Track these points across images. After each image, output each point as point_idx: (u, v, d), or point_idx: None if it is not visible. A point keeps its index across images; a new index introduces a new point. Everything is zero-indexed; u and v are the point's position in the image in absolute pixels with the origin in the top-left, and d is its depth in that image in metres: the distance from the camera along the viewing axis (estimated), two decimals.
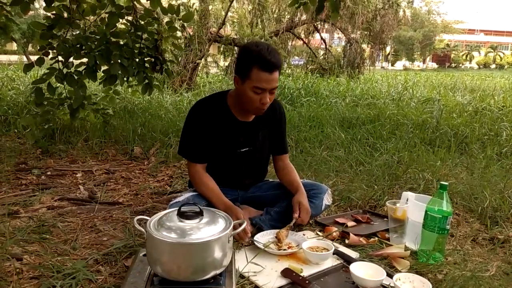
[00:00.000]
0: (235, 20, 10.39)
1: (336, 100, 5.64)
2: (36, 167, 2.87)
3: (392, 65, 42.08)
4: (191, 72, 7.60)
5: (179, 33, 6.44)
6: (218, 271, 1.33)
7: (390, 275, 1.46)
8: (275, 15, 10.23)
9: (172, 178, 2.79)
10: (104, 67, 3.33)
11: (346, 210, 2.28)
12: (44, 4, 3.19)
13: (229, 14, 9.17)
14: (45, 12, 3.30)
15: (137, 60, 3.44)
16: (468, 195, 2.36)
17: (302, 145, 3.53)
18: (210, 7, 8.69)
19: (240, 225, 1.45)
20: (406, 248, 1.74)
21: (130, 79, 3.58)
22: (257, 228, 1.79)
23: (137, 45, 3.43)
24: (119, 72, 3.25)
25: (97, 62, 3.18)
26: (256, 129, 1.88)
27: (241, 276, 1.46)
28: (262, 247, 1.63)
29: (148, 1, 3.36)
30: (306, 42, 10.85)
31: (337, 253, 1.64)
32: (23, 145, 3.44)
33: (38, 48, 3.15)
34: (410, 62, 44.08)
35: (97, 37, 3.30)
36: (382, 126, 4.02)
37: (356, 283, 1.44)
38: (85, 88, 3.39)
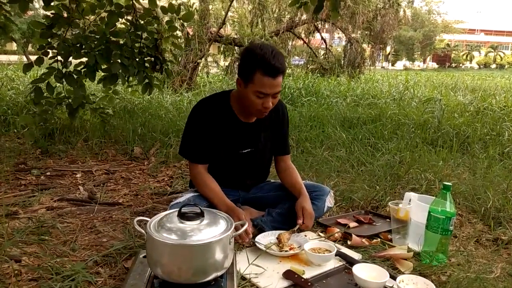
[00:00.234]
0: (235, 20, 10.36)
1: (337, 100, 5.63)
2: (36, 167, 2.85)
3: (393, 65, 42.06)
4: (191, 72, 7.59)
5: (179, 33, 6.43)
6: (219, 273, 1.32)
7: (393, 277, 1.44)
8: (275, 15, 10.20)
9: (172, 179, 2.78)
10: (104, 67, 3.31)
11: (348, 210, 2.26)
12: (43, 4, 3.17)
13: (229, 13, 9.15)
14: (44, 12, 3.28)
15: (137, 59, 3.42)
16: (471, 195, 2.34)
17: (303, 145, 3.51)
18: (210, 6, 8.67)
19: (242, 226, 1.43)
20: (409, 249, 1.72)
21: (131, 78, 3.56)
22: (259, 229, 1.77)
23: (137, 45, 3.41)
24: (120, 71, 3.23)
25: (97, 61, 3.16)
26: (258, 130, 1.86)
27: (243, 278, 1.44)
28: (264, 249, 1.61)
29: (147, 1, 3.35)
30: (307, 42, 10.83)
31: (339, 254, 1.63)
32: (22, 145, 3.42)
33: (38, 47, 3.13)
34: (411, 62, 44.05)
35: (97, 36, 3.29)
36: (383, 126, 4.00)
37: (359, 285, 1.42)
38: (84, 88, 3.37)
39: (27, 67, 3.17)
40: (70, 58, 3.18)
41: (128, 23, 3.41)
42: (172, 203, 1.80)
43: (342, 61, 10.87)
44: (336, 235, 1.84)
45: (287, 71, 9.63)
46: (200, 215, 1.33)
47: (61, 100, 3.38)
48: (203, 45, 7.79)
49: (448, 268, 1.57)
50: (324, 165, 2.96)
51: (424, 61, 48.66)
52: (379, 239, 1.84)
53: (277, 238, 1.67)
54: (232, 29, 10.37)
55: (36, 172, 2.76)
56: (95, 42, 3.25)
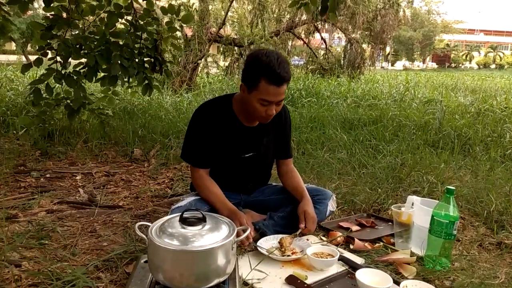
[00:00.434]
0: (235, 20, 10.34)
1: (337, 101, 5.61)
2: (35, 169, 2.84)
3: (392, 65, 42.07)
4: (191, 72, 7.57)
5: (178, 33, 6.40)
6: (221, 279, 1.30)
7: (397, 282, 1.43)
8: (275, 15, 10.19)
9: (172, 181, 2.76)
10: (104, 67, 3.30)
11: (350, 213, 2.25)
12: (43, 4, 3.15)
13: (229, 14, 9.13)
14: (44, 12, 3.27)
15: (136, 60, 3.40)
16: (473, 198, 2.33)
17: (303, 147, 3.50)
18: (210, 7, 8.65)
19: (244, 231, 1.42)
20: (412, 254, 1.71)
21: (130, 79, 3.54)
22: (260, 233, 1.75)
23: (137, 45, 3.39)
24: (120, 72, 3.21)
25: (97, 62, 3.14)
26: (261, 135, 1.84)
27: (245, 283, 1.43)
28: (266, 253, 1.60)
29: (145, 1, 3.33)
30: (306, 42, 10.81)
31: (342, 259, 1.61)
32: (22, 147, 3.40)
33: (37, 48, 3.11)
34: (410, 62, 44.08)
35: (97, 37, 3.27)
36: (384, 128, 3.98)
37: None
38: (84, 89, 3.36)
39: (26, 67, 3.15)
40: (70, 59, 3.17)
41: (128, 24, 3.39)
42: (173, 207, 1.78)
43: (342, 62, 10.86)
44: (339, 239, 1.83)
45: None
46: (202, 220, 1.32)
47: (60, 101, 3.37)
48: (203, 45, 7.77)
49: (451, 273, 1.56)
50: (325, 167, 2.94)
51: (424, 61, 48.68)
52: (381, 243, 1.83)
53: (279, 242, 1.66)
54: (232, 29, 10.36)
55: (36, 174, 2.74)
56: (95, 43, 3.23)
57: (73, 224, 1.96)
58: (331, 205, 1.94)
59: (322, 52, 11.29)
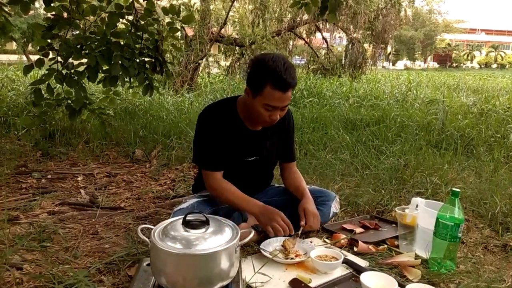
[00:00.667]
0: (236, 20, 10.33)
1: (339, 101, 5.59)
2: (36, 170, 2.83)
3: (393, 64, 42.03)
4: (192, 72, 7.55)
5: (179, 34, 6.39)
6: (225, 283, 1.29)
7: (401, 285, 1.41)
8: (276, 15, 10.17)
9: (174, 182, 2.75)
10: (105, 68, 3.29)
11: (353, 215, 2.23)
12: (44, 4, 3.14)
13: (230, 13, 9.12)
14: (45, 12, 3.25)
15: (137, 60, 3.39)
16: (477, 200, 2.31)
17: (306, 148, 3.48)
18: (211, 6, 8.63)
19: (250, 233, 1.40)
20: (417, 256, 1.69)
21: (131, 80, 3.53)
22: (263, 235, 1.74)
23: (138, 46, 3.38)
24: (120, 73, 3.20)
25: (98, 62, 3.13)
26: (264, 138, 1.83)
27: (248, 286, 1.42)
28: (269, 256, 1.58)
29: (146, 1, 3.32)
30: (308, 41, 10.79)
31: (346, 262, 1.60)
32: (23, 147, 3.40)
33: (38, 48, 3.10)
34: (411, 62, 44.02)
35: (97, 37, 3.26)
36: (387, 128, 3.96)
37: None
38: (85, 89, 3.35)
39: (28, 69, 3.14)
40: (70, 59, 3.15)
41: (129, 24, 3.38)
42: (175, 209, 1.77)
43: (343, 61, 10.84)
44: (342, 241, 1.81)
45: None
46: (205, 223, 1.30)
47: (61, 102, 3.36)
48: (204, 45, 7.76)
49: (457, 276, 1.54)
50: (328, 168, 2.93)
51: (425, 61, 48.60)
52: (385, 246, 1.81)
53: (282, 245, 1.64)
54: (233, 29, 10.34)
55: (37, 175, 2.73)
56: (96, 43, 3.22)
57: (75, 226, 1.95)
58: (335, 207, 1.92)
59: (323, 51, 11.27)
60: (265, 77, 1.55)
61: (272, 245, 1.69)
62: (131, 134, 3.63)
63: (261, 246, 1.65)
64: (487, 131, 3.87)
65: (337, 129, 3.98)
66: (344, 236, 1.85)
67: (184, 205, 1.76)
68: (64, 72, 3.13)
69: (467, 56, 48.90)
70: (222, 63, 10.20)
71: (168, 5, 3.35)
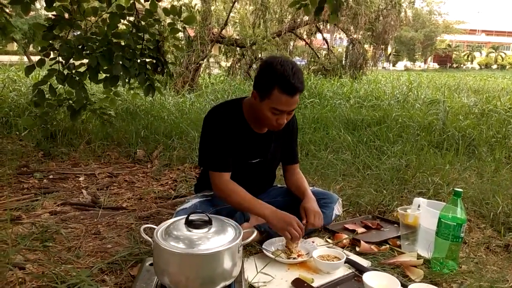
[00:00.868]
0: (237, 21, 10.34)
1: (340, 102, 5.59)
2: (38, 170, 2.83)
3: (394, 65, 42.03)
4: (193, 73, 7.55)
5: (180, 34, 6.39)
6: (227, 282, 1.29)
7: (404, 285, 1.41)
8: (277, 16, 10.17)
9: (176, 182, 2.75)
10: (106, 68, 3.29)
11: (355, 215, 2.23)
12: (45, 4, 3.14)
13: (231, 14, 9.12)
14: (46, 13, 3.26)
15: (138, 61, 3.39)
16: (479, 200, 2.31)
17: (307, 148, 3.48)
18: (212, 7, 8.64)
19: (252, 233, 1.39)
20: (419, 256, 1.69)
21: (132, 80, 3.53)
22: (266, 235, 1.74)
23: (139, 46, 3.38)
24: (121, 73, 3.20)
25: (99, 63, 3.13)
26: (269, 141, 1.83)
27: (251, 286, 1.42)
28: (272, 256, 1.58)
29: (148, 2, 3.32)
30: (308, 42, 10.80)
31: (348, 261, 1.60)
32: (24, 148, 3.40)
33: (39, 49, 3.11)
34: (412, 63, 44.02)
35: (98, 38, 3.26)
36: (388, 128, 3.96)
37: None
38: (86, 89, 3.35)
39: (29, 69, 3.14)
40: (71, 60, 3.16)
41: (130, 25, 3.38)
42: (178, 209, 1.77)
43: (344, 62, 10.84)
44: (344, 241, 1.81)
45: None
46: (208, 223, 1.31)
47: (62, 102, 3.36)
48: (205, 46, 7.76)
49: (459, 276, 1.55)
50: (329, 168, 2.93)
51: (425, 62, 48.61)
52: (388, 246, 1.82)
53: (286, 246, 1.64)
54: (234, 30, 10.35)
55: (39, 176, 2.73)
56: (97, 44, 3.23)
57: (77, 226, 1.95)
58: (337, 209, 1.93)
59: (324, 52, 11.27)
60: (273, 81, 1.54)
61: (274, 245, 1.69)
62: (133, 135, 3.63)
63: (263, 246, 1.66)
64: (488, 131, 3.87)
65: (338, 129, 3.98)
66: (346, 236, 1.85)
67: (186, 205, 1.76)
68: (65, 72, 3.13)
69: (467, 57, 48.91)
70: (223, 63, 10.20)
71: (169, 6, 3.34)
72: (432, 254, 1.64)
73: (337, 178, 2.73)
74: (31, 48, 20.09)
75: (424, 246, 1.71)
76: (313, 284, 1.44)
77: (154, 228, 1.34)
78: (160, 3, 3.47)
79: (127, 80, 3.39)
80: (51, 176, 2.76)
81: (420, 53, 42.78)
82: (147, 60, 3.48)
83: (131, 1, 3.31)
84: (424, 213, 1.77)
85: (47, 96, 3.27)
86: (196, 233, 1.27)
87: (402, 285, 1.40)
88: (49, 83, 3.13)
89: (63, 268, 1.49)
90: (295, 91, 1.55)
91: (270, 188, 2.02)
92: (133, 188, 2.63)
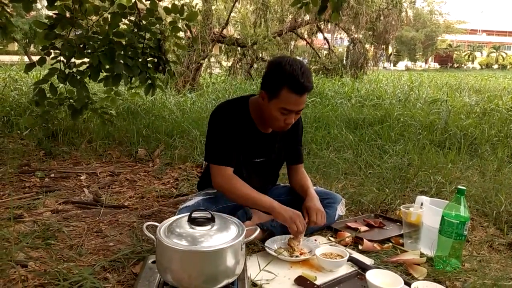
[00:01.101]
0: (238, 20, 10.33)
1: (341, 101, 5.59)
2: (40, 169, 2.83)
3: (394, 65, 42.01)
4: (194, 72, 7.56)
5: (182, 33, 6.38)
6: (230, 280, 1.29)
7: (407, 283, 1.41)
8: (278, 15, 10.17)
9: (177, 181, 2.75)
10: (107, 67, 3.28)
11: (357, 214, 2.22)
12: (46, 4, 3.14)
13: (232, 14, 9.12)
14: (47, 12, 3.26)
15: (140, 60, 3.39)
16: (482, 198, 2.31)
17: (309, 147, 3.48)
18: (213, 7, 8.64)
19: (255, 230, 1.39)
20: (422, 254, 1.69)
21: (133, 79, 3.53)
22: (268, 233, 1.74)
23: (140, 45, 3.38)
24: (123, 71, 3.20)
25: (101, 62, 3.13)
26: (274, 141, 1.83)
27: (254, 284, 1.42)
28: (274, 254, 1.58)
29: (148, 1, 3.32)
30: (309, 42, 10.79)
31: (351, 260, 1.59)
32: (26, 147, 3.40)
33: (40, 48, 3.10)
34: (412, 63, 44.00)
35: (100, 37, 3.26)
36: (389, 128, 3.96)
37: None
38: (87, 88, 3.35)
39: (29, 67, 3.14)
40: (73, 59, 3.15)
41: (131, 24, 3.38)
42: (181, 206, 1.76)
43: (345, 62, 10.84)
44: (347, 239, 1.81)
45: None
46: (210, 220, 1.30)
47: (63, 101, 3.36)
48: (206, 45, 7.76)
49: (462, 274, 1.54)
50: (331, 167, 2.92)
51: (426, 62, 48.57)
52: (390, 244, 1.81)
53: (288, 244, 1.64)
54: (234, 29, 10.35)
55: (40, 174, 2.73)
56: (98, 43, 3.22)
57: (79, 224, 1.95)
58: (340, 209, 1.92)
59: (325, 52, 11.27)
60: (282, 80, 1.54)
61: (276, 243, 1.69)
62: (134, 134, 3.63)
63: (266, 244, 1.65)
64: (490, 130, 3.87)
65: (340, 128, 3.97)
66: (348, 234, 1.84)
67: (189, 203, 1.76)
68: (66, 71, 3.13)
69: (468, 56, 48.86)
70: (224, 63, 10.20)
71: (171, 5, 3.34)
72: (435, 252, 1.64)
73: (339, 177, 2.72)
74: (32, 48, 20.11)
75: (427, 244, 1.71)
76: (316, 282, 1.43)
77: (157, 226, 1.33)
78: (160, 3, 3.47)
79: (128, 79, 3.39)
80: (52, 175, 2.75)
81: (421, 53, 42.73)
82: (148, 59, 3.48)
83: (133, 1, 3.31)
84: (427, 211, 1.77)
85: (48, 95, 3.26)
86: (199, 230, 1.27)
87: (405, 283, 1.40)
88: (50, 82, 3.13)
89: (66, 266, 1.49)
90: (304, 90, 1.56)
91: (273, 187, 2.02)
92: (135, 187, 2.63)
